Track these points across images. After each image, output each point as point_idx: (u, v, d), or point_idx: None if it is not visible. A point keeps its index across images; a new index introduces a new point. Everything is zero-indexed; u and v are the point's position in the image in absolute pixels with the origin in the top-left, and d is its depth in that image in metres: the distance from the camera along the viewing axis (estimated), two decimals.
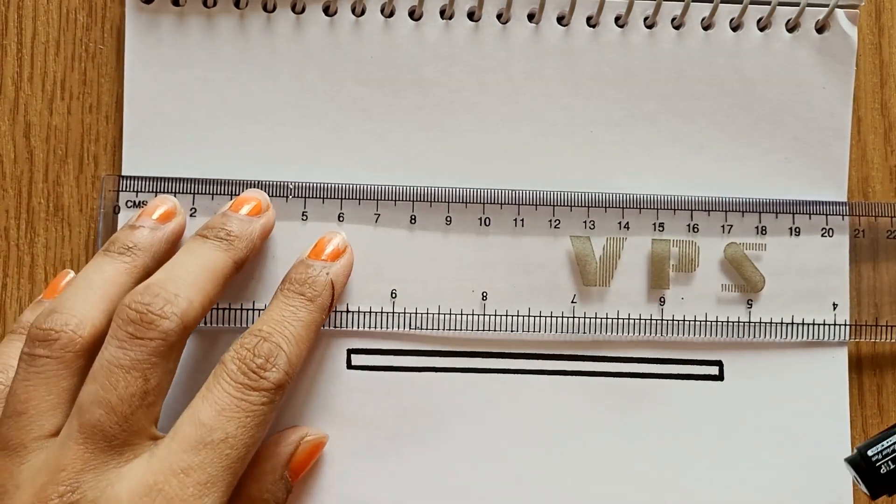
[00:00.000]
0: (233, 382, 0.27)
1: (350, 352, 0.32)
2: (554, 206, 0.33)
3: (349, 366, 0.32)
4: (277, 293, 0.30)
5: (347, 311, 0.32)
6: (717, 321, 0.33)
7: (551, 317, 0.33)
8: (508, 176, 0.33)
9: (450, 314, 0.32)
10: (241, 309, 0.32)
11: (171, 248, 0.30)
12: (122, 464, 0.26)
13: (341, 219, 0.32)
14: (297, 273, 0.30)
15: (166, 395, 0.27)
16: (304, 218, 0.32)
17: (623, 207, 0.33)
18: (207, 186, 0.32)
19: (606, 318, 0.33)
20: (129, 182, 0.32)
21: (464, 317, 0.32)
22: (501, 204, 0.33)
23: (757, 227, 0.33)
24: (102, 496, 0.25)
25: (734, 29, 0.34)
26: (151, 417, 0.27)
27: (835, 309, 0.33)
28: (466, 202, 0.33)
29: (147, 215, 0.30)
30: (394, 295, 0.32)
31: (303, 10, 0.33)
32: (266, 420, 0.27)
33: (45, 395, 0.26)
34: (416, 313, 0.32)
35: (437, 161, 0.33)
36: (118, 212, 0.32)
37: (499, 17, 0.33)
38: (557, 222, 0.33)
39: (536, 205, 0.33)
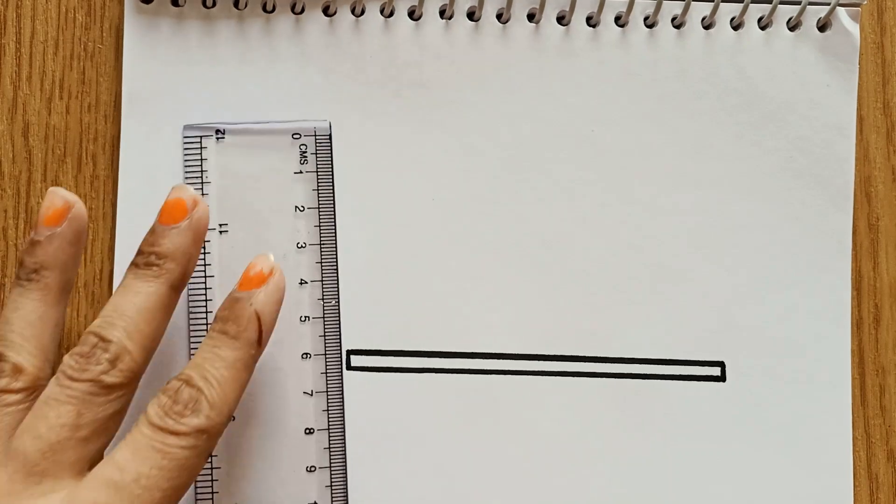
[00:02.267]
0: (150, 426, 0.26)
1: (349, 353, 0.32)
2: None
3: (349, 367, 0.32)
4: (207, 333, 0.29)
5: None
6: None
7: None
8: (508, 176, 0.33)
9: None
10: None
11: (77, 246, 0.29)
12: (38, 495, 0.25)
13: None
14: (222, 310, 0.28)
15: (109, 439, 0.27)
16: None
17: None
18: None
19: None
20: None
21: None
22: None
23: None
24: None
25: (735, 28, 0.33)
26: (84, 455, 0.26)
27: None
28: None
29: (41, 223, 0.28)
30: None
31: (302, 11, 0.33)
32: (189, 465, 0.26)
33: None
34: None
35: (436, 161, 0.33)
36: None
37: (499, 16, 0.33)
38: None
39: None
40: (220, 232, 0.32)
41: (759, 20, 0.34)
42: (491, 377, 0.33)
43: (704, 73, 0.33)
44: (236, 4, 0.33)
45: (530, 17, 0.33)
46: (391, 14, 0.33)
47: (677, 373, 0.33)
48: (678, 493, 0.33)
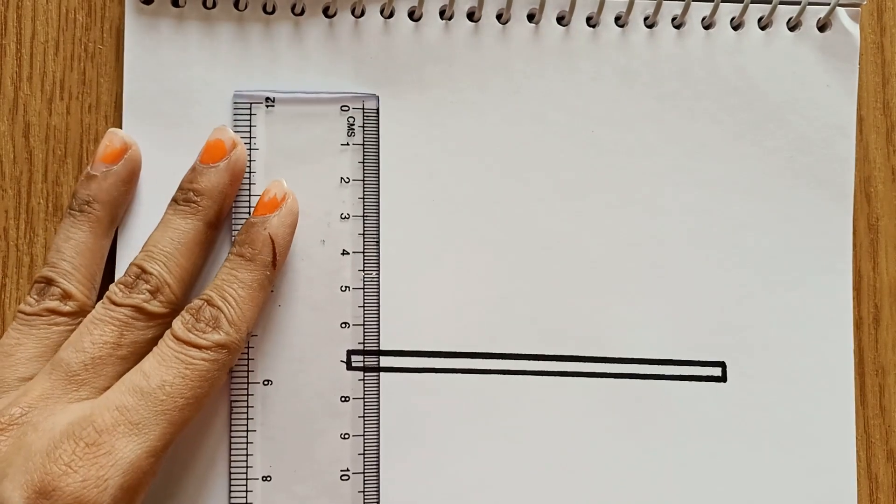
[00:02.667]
0: (175, 340, 0.28)
1: (350, 353, 0.32)
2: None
3: (349, 367, 0.32)
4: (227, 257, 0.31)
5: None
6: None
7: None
8: (508, 176, 0.33)
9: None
10: None
11: (129, 185, 0.32)
12: (74, 400, 0.28)
13: None
14: (239, 235, 0.31)
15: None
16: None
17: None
18: None
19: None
20: None
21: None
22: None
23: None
24: (44, 421, 0.27)
25: (735, 28, 0.34)
26: (122, 372, 0.28)
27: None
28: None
29: (98, 160, 0.31)
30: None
31: (302, 12, 0.33)
32: (208, 377, 0.28)
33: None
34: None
35: (436, 161, 0.33)
36: None
37: (498, 17, 0.33)
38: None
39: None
40: None
41: (759, 20, 0.34)
42: (491, 377, 0.33)
43: (704, 73, 0.33)
44: (237, 5, 0.33)
45: (530, 17, 0.33)
46: (391, 15, 0.33)
47: (678, 373, 0.33)
48: (679, 493, 0.33)
